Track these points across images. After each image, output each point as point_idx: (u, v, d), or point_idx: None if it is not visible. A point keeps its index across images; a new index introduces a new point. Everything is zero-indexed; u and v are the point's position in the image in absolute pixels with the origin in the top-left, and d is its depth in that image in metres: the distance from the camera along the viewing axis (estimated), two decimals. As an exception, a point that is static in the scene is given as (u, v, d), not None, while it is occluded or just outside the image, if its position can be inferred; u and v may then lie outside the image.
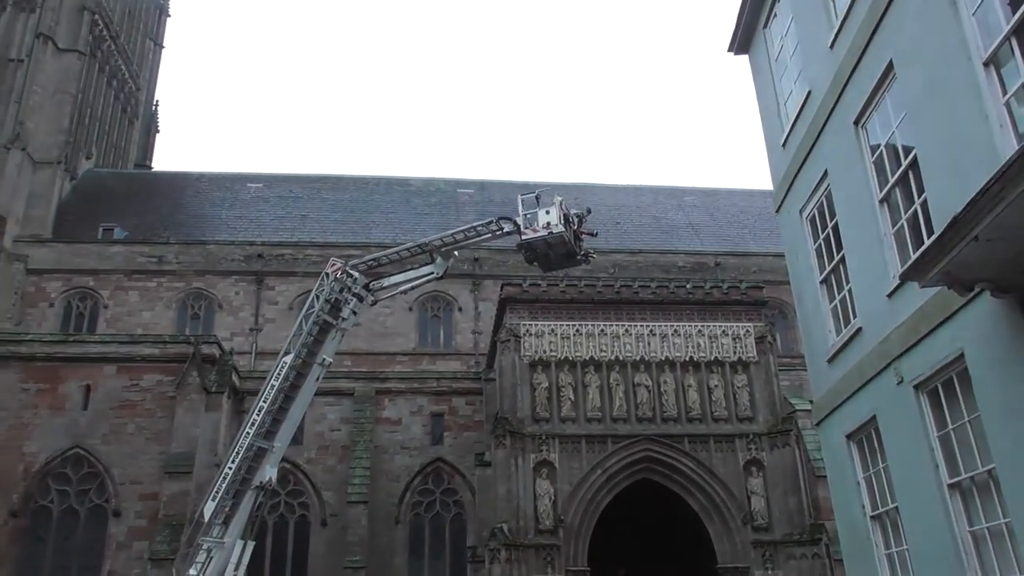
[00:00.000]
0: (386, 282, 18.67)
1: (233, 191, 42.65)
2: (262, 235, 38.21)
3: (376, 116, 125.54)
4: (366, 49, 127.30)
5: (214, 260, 36.40)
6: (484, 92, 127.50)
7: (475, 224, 18.22)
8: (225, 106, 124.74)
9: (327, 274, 17.85)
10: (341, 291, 17.75)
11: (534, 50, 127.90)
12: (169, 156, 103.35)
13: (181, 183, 44.21)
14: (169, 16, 56.23)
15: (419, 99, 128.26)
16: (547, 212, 17.29)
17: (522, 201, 17.68)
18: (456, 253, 18.95)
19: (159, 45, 55.07)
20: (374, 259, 18.43)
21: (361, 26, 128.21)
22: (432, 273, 18.35)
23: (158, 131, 54.16)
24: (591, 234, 18.45)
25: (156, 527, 24.67)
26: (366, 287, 18.17)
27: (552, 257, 18.19)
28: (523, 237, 17.38)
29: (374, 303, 19.12)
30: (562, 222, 17.23)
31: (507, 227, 17.62)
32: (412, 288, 19.57)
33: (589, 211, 18.67)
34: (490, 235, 18.01)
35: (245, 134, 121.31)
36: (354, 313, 18.08)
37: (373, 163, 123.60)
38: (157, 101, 54.36)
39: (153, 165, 52.51)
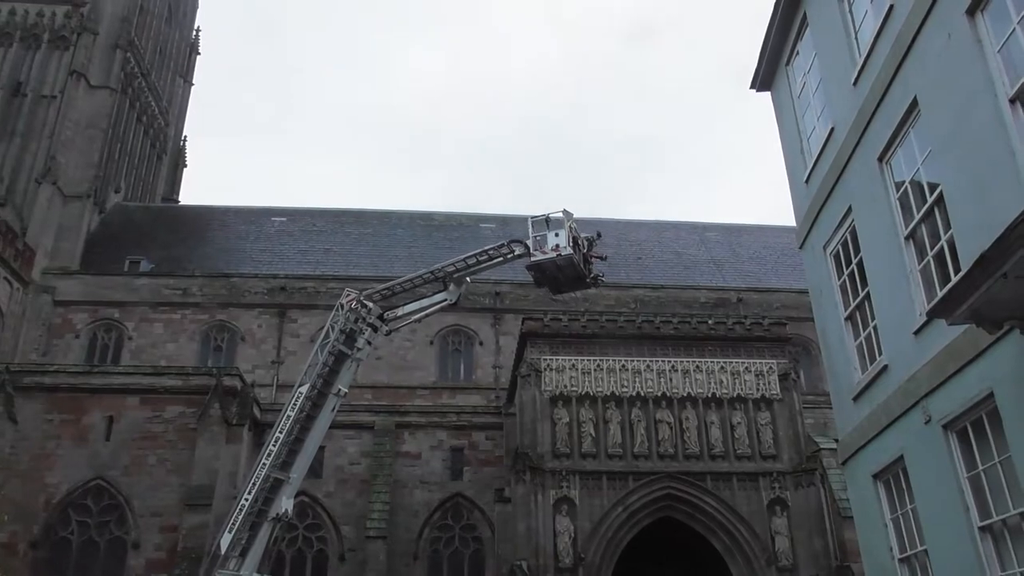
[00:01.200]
0: (400, 311, 18.80)
1: (257, 225, 43.19)
2: (285, 268, 38.57)
3: (400, 151, 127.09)
4: (390, 85, 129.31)
5: (238, 293, 36.75)
6: (507, 128, 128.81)
7: (487, 248, 18.37)
8: (251, 141, 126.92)
9: (341, 305, 18.00)
10: (356, 321, 17.88)
11: (557, 86, 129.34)
12: (196, 190, 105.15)
13: (207, 217, 44.87)
14: (199, 54, 57.57)
15: (442, 135, 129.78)
16: (556, 234, 17.48)
17: (532, 223, 17.84)
18: (468, 280, 19.05)
19: (188, 82, 56.27)
20: (387, 288, 18.57)
21: (385, 62, 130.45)
22: (445, 300, 18.48)
23: (185, 165, 55.11)
24: (601, 258, 18.58)
25: (175, 560, 24.60)
26: (380, 317, 18.30)
27: (561, 279, 18.35)
28: (532, 259, 17.56)
29: (389, 333, 19.24)
30: (571, 244, 17.38)
31: (518, 250, 17.79)
32: (426, 316, 19.61)
33: (599, 235, 18.79)
34: (501, 259, 18.16)
35: (270, 169, 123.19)
36: (369, 343, 18.19)
37: (395, 198, 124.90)
38: (185, 136, 55.42)
39: (180, 199, 53.37)
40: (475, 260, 18.28)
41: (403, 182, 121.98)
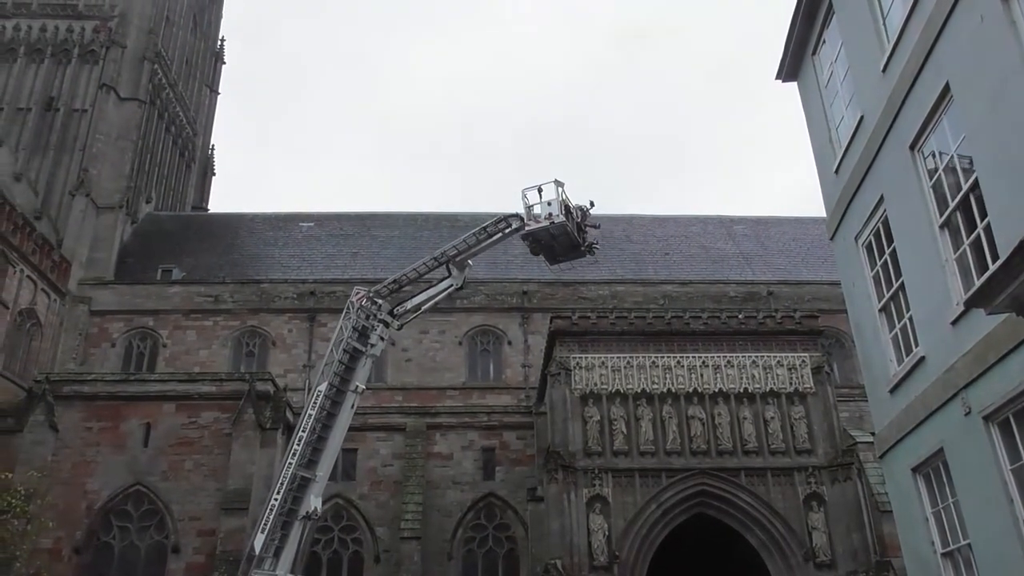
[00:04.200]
0: (409, 304, 19.28)
1: (286, 231, 43.59)
2: (314, 273, 38.88)
3: (424, 153, 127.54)
4: (413, 87, 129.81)
5: (268, 298, 37.12)
6: (532, 124, 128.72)
7: (484, 226, 18.88)
8: (278, 147, 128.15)
9: (352, 303, 18.37)
10: (368, 318, 18.26)
11: (583, 82, 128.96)
12: (224, 198, 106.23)
13: (236, 224, 45.38)
14: (224, 63, 58.26)
15: (467, 135, 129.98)
16: (548, 203, 18.02)
17: (525, 195, 18.31)
18: (471, 263, 19.47)
19: (214, 91, 57.00)
20: (394, 281, 19.04)
21: (406, 65, 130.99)
22: (451, 285, 19.03)
23: (214, 174, 55.84)
24: (594, 227, 19.13)
25: (214, 563, 24.90)
26: (391, 312, 18.68)
27: (557, 248, 18.90)
28: (527, 228, 17.97)
29: (400, 327, 19.78)
30: (563, 212, 17.82)
31: (514, 223, 18.33)
32: (436, 303, 20.08)
33: (592, 204, 19.21)
34: (500, 235, 18.68)
35: (297, 174, 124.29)
36: (382, 339, 18.67)
37: (421, 200, 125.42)
38: (213, 145, 56.13)
39: (209, 207, 54.06)
40: (475, 239, 18.82)
41: (426, 183, 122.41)
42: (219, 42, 58.24)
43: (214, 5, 57.84)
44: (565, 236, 18.31)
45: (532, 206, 18.32)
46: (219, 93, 57.47)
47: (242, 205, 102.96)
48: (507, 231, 18.56)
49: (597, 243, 19.53)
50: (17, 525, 21.57)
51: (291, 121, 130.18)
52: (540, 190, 18.23)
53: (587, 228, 18.92)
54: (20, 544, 21.75)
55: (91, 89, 42.14)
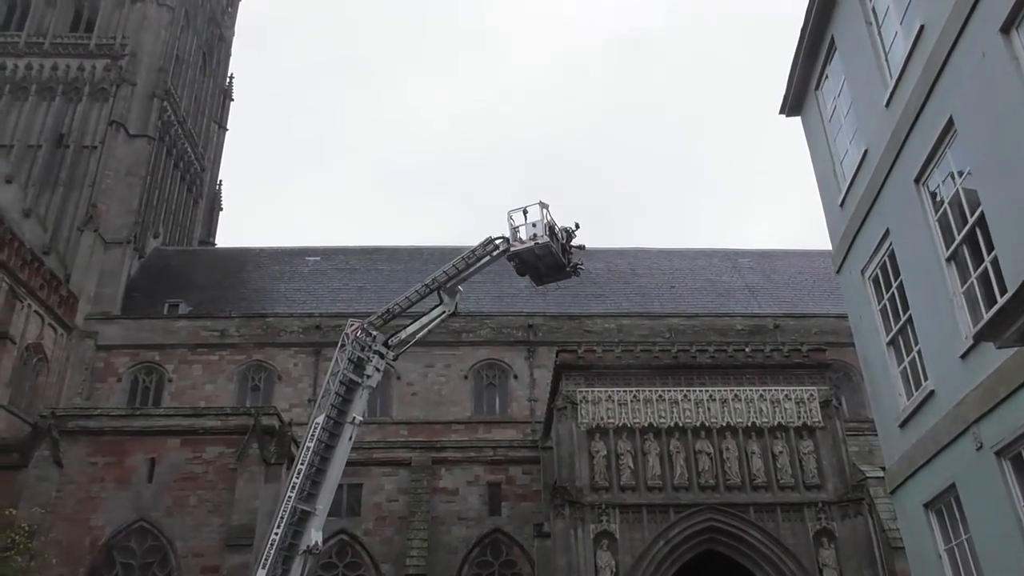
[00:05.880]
0: (403, 334, 19.55)
1: (292, 265, 43.76)
2: (320, 307, 38.93)
3: (429, 187, 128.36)
4: (417, 121, 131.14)
5: (274, 332, 37.14)
6: (535, 158, 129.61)
7: (472, 249, 19.11)
8: (284, 182, 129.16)
9: (347, 335, 18.55)
10: (363, 350, 18.42)
11: (587, 114, 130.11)
12: (231, 233, 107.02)
13: (242, 258, 45.58)
14: (233, 100, 59.03)
15: (471, 169, 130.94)
16: (533, 225, 18.41)
17: (511, 216, 18.68)
18: (461, 288, 19.73)
19: (223, 127, 57.66)
20: (387, 311, 19.32)
21: (408, 99, 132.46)
22: (444, 312, 19.31)
23: (221, 209, 56.25)
24: (579, 247, 19.29)
25: (217, 601, 24.63)
26: (385, 344, 18.86)
27: (542, 269, 19.29)
28: (512, 248, 18.27)
29: (395, 358, 19.93)
30: (547, 233, 18.27)
31: (501, 245, 18.56)
32: (429, 331, 20.26)
33: (578, 225, 19.52)
34: (488, 257, 19.01)
35: (303, 208, 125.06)
36: (377, 370, 18.82)
37: (427, 234, 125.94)
38: (220, 181, 56.63)
39: (216, 241, 54.37)
40: (464, 264, 19.13)
41: (430, 216, 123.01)
42: (228, 79, 59.05)
43: (223, 44, 58.76)
44: (550, 256, 18.83)
45: (517, 227, 18.77)
46: (227, 129, 58.15)
47: (249, 240, 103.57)
48: (495, 253, 18.94)
49: (582, 264, 20.09)
50: (21, 562, 21.38)
51: (297, 153, 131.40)
52: (525, 212, 18.69)
53: (572, 249, 19.31)
54: (23, 581, 21.56)
55: (101, 126, 42.65)
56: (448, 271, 19.16)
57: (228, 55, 59.62)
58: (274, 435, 27.72)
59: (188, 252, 48.18)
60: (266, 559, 17.06)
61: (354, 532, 28.01)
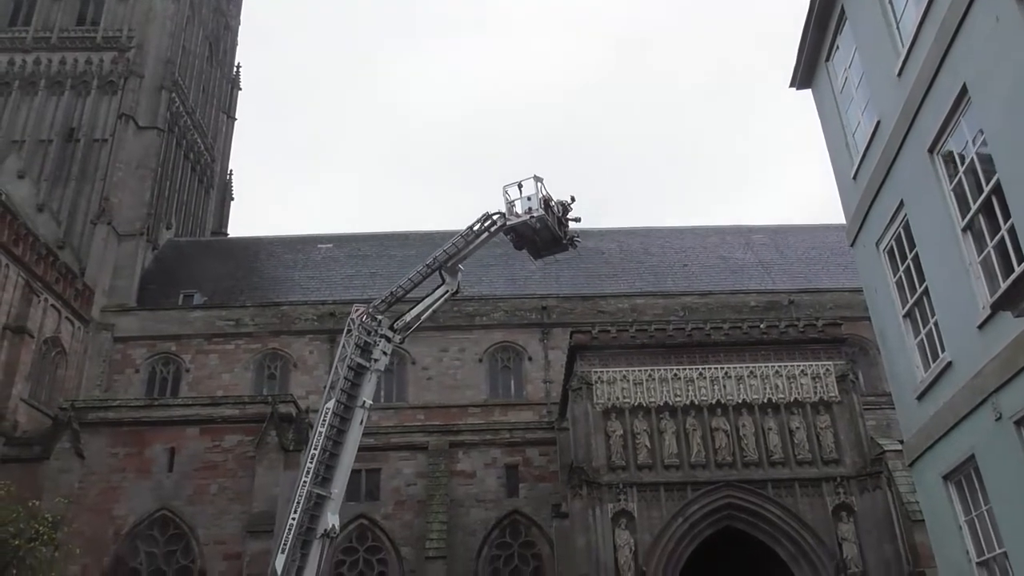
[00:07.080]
0: (408, 316, 19.68)
1: (304, 253, 43.90)
2: (333, 294, 39.06)
3: (440, 172, 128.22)
4: (426, 106, 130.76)
5: (288, 320, 37.32)
6: (547, 137, 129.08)
7: (469, 226, 19.20)
8: (294, 170, 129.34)
9: (353, 320, 18.66)
10: (369, 334, 18.52)
11: (597, 93, 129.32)
12: (243, 222, 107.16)
13: (255, 248, 45.77)
14: (240, 90, 59.01)
15: (483, 150, 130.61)
16: (528, 199, 18.57)
17: (506, 191, 18.79)
18: (461, 267, 19.78)
19: (231, 117, 57.71)
20: (391, 294, 19.46)
21: (419, 84, 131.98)
22: (447, 291, 19.42)
23: (232, 199, 56.44)
24: (575, 220, 19.49)
25: (240, 587, 24.95)
26: (391, 327, 18.99)
27: (539, 242, 19.44)
28: (508, 223, 18.33)
29: (402, 341, 20.07)
30: (542, 206, 18.38)
31: (499, 220, 18.51)
32: (433, 311, 20.36)
33: (573, 199, 19.62)
34: (487, 233, 19.20)
35: (314, 196, 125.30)
36: (385, 354, 18.95)
37: (438, 219, 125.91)
38: (231, 171, 56.77)
39: (228, 231, 54.59)
40: (464, 242, 19.23)
41: (440, 203, 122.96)
42: (235, 69, 59.02)
43: (229, 33, 58.69)
44: (546, 230, 18.89)
45: (513, 201, 18.75)
46: (236, 119, 58.20)
47: (261, 229, 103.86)
48: (493, 228, 18.99)
49: (578, 236, 19.98)
50: (45, 552, 21.70)
51: (306, 141, 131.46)
52: (520, 186, 18.69)
53: (568, 222, 19.31)
54: (48, 572, 21.88)
55: (110, 119, 42.79)
56: (448, 250, 19.31)
57: (235, 45, 59.58)
58: (292, 422, 27.96)
59: (201, 243, 48.43)
60: (285, 544, 17.26)
61: (373, 516, 28.24)
